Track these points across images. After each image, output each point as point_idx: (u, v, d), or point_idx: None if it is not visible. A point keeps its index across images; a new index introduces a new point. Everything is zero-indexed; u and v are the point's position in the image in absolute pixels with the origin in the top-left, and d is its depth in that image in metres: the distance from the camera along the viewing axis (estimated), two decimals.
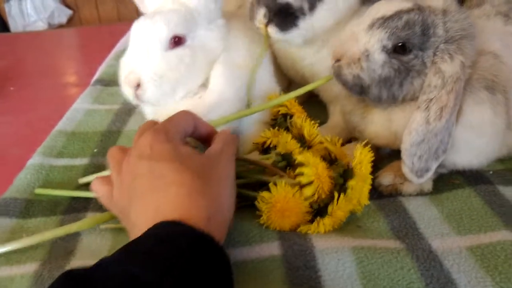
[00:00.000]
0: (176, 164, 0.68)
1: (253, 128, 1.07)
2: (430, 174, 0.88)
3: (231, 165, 0.76)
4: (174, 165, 0.67)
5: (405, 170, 0.88)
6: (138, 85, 0.93)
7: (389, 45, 0.86)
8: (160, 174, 0.67)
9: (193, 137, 0.83)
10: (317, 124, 0.92)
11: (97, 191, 0.79)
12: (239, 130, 1.08)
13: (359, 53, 0.87)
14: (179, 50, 0.96)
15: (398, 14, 0.86)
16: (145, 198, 0.67)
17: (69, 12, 4.71)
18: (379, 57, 0.87)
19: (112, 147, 0.80)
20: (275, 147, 0.90)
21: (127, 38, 1.10)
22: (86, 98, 1.40)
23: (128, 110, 1.33)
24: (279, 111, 1.03)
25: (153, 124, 0.79)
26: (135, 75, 0.93)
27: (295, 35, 1.08)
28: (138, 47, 0.95)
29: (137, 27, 0.97)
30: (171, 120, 0.78)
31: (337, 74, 0.91)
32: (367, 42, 0.87)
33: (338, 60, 0.90)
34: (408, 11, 0.86)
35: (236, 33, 1.07)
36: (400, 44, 0.86)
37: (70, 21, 4.59)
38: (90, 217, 0.86)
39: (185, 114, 0.81)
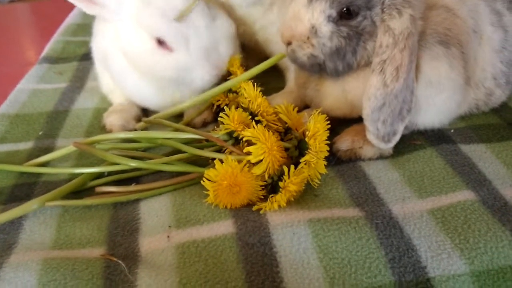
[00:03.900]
0: None
1: None
2: (398, 137, 0.84)
3: None
4: None
5: (371, 137, 0.84)
6: None
7: (334, 13, 0.82)
8: None
9: None
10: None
11: None
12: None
13: (306, 31, 0.83)
14: None
15: None
16: None
17: None
18: (326, 28, 0.82)
19: None
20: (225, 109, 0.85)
21: (77, 12, 1.03)
22: (31, 77, 1.32)
23: (76, 88, 1.25)
24: None
25: None
26: None
27: None
28: None
29: None
30: None
31: (293, 59, 0.88)
32: (311, 18, 0.83)
33: (289, 43, 0.86)
34: None
35: None
36: (344, 9, 0.82)
37: None
38: (37, 198, 0.79)
39: None
